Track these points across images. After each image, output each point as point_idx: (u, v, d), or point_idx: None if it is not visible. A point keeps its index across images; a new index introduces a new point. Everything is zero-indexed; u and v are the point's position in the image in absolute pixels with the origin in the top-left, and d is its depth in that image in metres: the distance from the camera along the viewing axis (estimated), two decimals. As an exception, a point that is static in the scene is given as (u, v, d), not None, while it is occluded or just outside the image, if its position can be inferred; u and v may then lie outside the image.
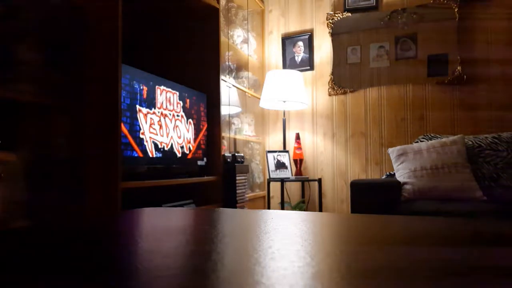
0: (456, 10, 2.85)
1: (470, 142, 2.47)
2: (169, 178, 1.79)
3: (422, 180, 2.26)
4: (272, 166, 3.03)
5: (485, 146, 2.43)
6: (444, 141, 2.38)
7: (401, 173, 2.38)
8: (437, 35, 2.92)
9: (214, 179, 2.19)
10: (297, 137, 3.17)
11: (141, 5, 2.24)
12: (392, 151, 2.51)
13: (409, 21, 3.00)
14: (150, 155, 1.74)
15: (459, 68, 2.83)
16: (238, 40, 3.06)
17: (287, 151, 3.15)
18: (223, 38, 2.50)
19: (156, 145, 1.78)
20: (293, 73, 3.06)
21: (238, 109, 3.04)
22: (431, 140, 2.56)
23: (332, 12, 3.23)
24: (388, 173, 2.70)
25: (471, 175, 2.26)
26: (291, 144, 3.32)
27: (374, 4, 3.11)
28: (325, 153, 3.26)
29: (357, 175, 3.15)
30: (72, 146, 1.45)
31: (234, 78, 2.97)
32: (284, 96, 2.97)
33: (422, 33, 2.97)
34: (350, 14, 3.17)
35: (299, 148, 3.14)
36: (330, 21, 3.22)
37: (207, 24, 2.24)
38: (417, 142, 2.62)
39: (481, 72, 2.80)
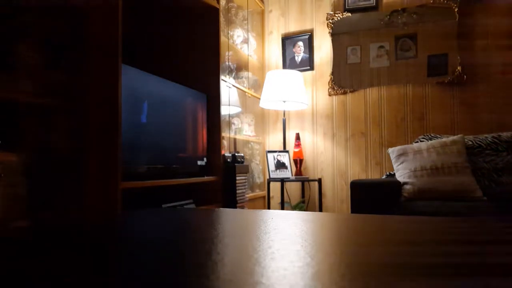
0: (456, 10, 2.85)
1: (470, 142, 2.47)
2: (169, 178, 1.80)
3: (422, 180, 2.27)
4: (272, 166, 3.03)
5: (485, 146, 2.43)
6: (444, 141, 2.39)
7: (401, 173, 2.38)
8: (437, 35, 2.92)
9: (214, 179, 2.20)
10: (297, 137, 3.18)
11: (141, 5, 2.24)
12: (392, 151, 2.51)
13: (409, 21, 3.00)
14: (150, 155, 1.74)
15: (459, 68, 2.83)
16: (238, 40, 3.06)
17: (287, 151, 3.15)
18: (223, 38, 2.50)
19: (156, 145, 1.78)
20: (293, 73, 3.06)
21: (238, 109, 3.04)
22: (431, 140, 2.56)
23: (332, 12, 3.23)
24: (388, 173, 2.70)
25: (471, 175, 2.26)
26: (291, 144, 3.32)
27: (374, 4, 3.12)
28: (325, 153, 3.26)
29: (357, 175, 3.15)
30: (72, 146, 1.45)
31: (234, 78, 2.97)
32: (284, 96, 2.97)
33: (422, 33, 2.97)
34: (350, 14, 3.17)
35: (299, 148, 3.14)
36: (330, 21, 3.23)
37: (207, 24, 2.24)
38: (417, 142, 2.62)
39: (481, 72, 2.81)
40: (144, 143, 1.70)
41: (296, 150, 3.13)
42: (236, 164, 2.33)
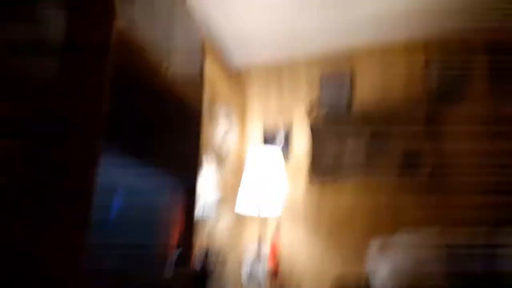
0: (425, 111, 3.05)
1: (449, 240, 2.44)
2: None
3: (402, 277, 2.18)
4: (245, 279, 2.84)
5: (463, 245, 2.40)
6: (422, 236, 2.36)
7: (382, 268, 2.29)
8: (410, 134, 3.07)
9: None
10: (274, 241, 3.01)
11: (128, 87, 2.19)
12: (374, 244, 2.45)
13: (383, 119, 3.17)
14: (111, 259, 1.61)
15: (432, 164, 2.93)
16: (221, 130, 3.15)
17: (263, 260, 2.91)
18: (206, 128, 2.57)
19: (123, 243, 1.65)
20: (273, 154, 3.01)
21: (216, 203, 2.94)
22: (409, 234, 2.52)
23: (309, 106, 3.42)
24: (369, 268, 2.60)
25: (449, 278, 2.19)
26: (268, 243, 3.08)
27: (347, 102, 3.33)
28: (304, 247, 3.14)
29: (340, 268, 2.99)
30: (28, 241, 1.31)
31: (214, 167, 2.99)
32: (261, 200, 2.83)
33: (397, 130, 3.10)
34: (327, 108, 3.36)
35: (275, 255, 2.94)
36: (308, 114, 3.39)
37: (191, 114, 2.29)
38: (398, 234, 2.57)
39: (454, 170, 2.91)
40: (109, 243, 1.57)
41: (272, 257, 2.93)
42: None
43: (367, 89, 3.35)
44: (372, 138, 3.15)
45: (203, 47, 2.53)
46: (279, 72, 3.68)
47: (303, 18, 3.04)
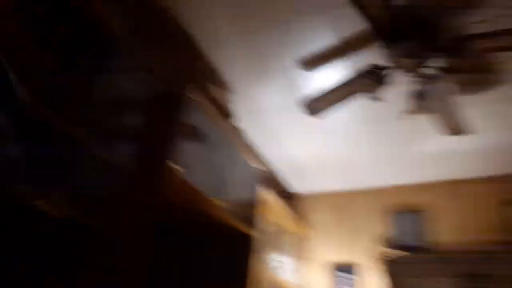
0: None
1: None
2: None
3: None
4: None
5: None
6: None
7: None
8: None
9: None
10: None
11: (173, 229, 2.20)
12: None
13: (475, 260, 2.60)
14: None
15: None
16: (275, 262, 2.98)
17: None
18: (259, 263, 2.42)
19: None
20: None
21: None
22: None
23: (380, 243, 3.09)
24: None
25: None
26: None
27: (424, 239, 2.96)
28: None
29: None
30: None
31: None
32: None
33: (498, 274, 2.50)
34: (401, 246, 3.00)
35: None
36: (380, 252, 3.04)
37: (240, 249, 2.22)
38: None
39: None
40: None
41: None
42: None
43: (444, 225, 3.01)
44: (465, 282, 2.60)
45: (259, 179, 2.60)
46: (340, 203, 3.54)
47: (358, 151, 3.00)
